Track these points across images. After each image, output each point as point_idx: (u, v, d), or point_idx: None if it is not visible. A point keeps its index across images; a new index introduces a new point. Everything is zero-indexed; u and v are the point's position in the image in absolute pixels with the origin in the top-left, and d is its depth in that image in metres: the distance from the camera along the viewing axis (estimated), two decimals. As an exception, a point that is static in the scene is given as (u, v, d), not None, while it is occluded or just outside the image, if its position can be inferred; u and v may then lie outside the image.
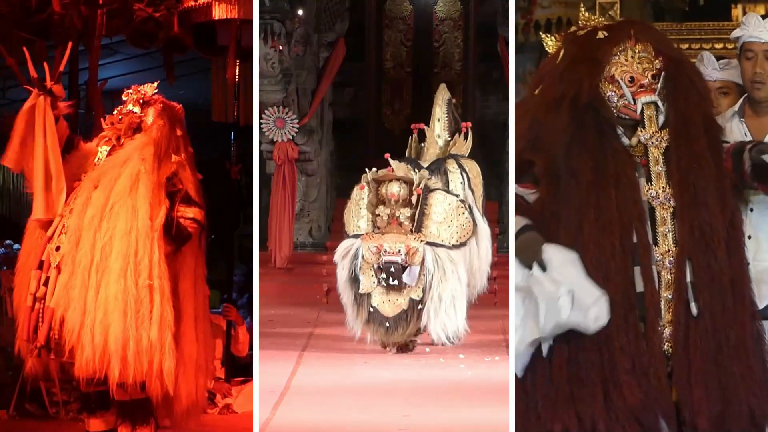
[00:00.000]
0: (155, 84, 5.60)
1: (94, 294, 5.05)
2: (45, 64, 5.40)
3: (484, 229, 7.49)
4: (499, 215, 10.25)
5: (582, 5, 5.19)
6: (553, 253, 4.53)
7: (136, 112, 5.47)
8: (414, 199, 7.12)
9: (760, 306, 4.82)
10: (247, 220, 8.17)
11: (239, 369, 7.56)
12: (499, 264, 7.76)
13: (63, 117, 5.36)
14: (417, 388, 6.31)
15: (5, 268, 7.74)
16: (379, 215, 7.15)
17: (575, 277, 4.46)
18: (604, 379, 4.48)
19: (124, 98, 5.56)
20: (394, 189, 7.15)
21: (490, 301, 8.15)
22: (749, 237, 4.86)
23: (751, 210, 4.92)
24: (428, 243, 7.08)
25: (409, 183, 7.16)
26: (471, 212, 7.42)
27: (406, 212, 7.12)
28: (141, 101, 5.50)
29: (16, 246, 8.43)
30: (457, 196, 7.33)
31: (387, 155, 7.28)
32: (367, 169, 7.26)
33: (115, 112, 5.53)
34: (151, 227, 5.17)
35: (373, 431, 5.49)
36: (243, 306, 8.66)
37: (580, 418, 4.49)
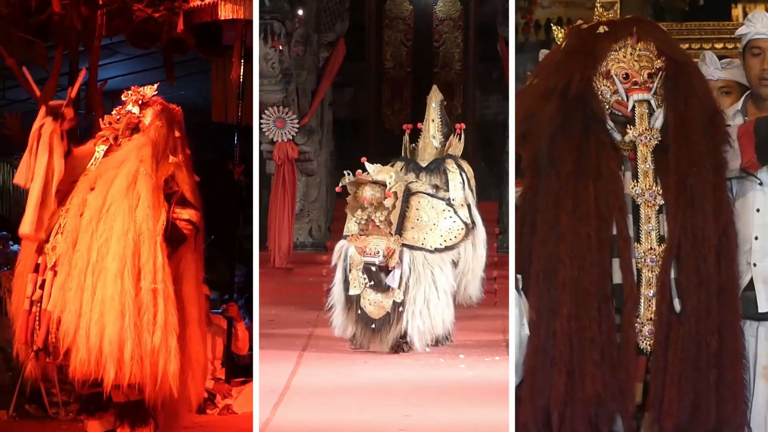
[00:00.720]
0: (155, 86, 5.61)
1: (90, 296, 5.05)
2: (69, 89, 5.41)
3: (481, 231, 7.49)
4: (499, 215, 10.25)
5: (597, 2, 5.17)
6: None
7: (134, 113, 5.47)
8: (387, 202, 7.11)
9: None
10: (247, 221, 8.17)
11: (239, 369, 7.56)
12: (499, 264, 7.76)
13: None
14: (417, 388, 6.31)
15: (5, 268, 7.74)
16: (358, 218, 7.18)
17: None
18: (570, 369, 4.48)
19: (123, 99, 5.56)
20: (367, 193, 7.17)
21: (490, 301, 8.16)
22: (756, 238, 4.84)
23: (758, 210, 4.89)
24: (407, 246, 7.10)
25: (383, 186, 7.17)
26: (471, 212, 7.42)
27: (380, 215, 7.13)
28: (140, 102, 5.50)
29: (15, 246, 8.43)
30: (443, 199, 7.33)
31: (363, 159, 7.27)
32: (346, 173, 7.27)
33: (113, 112, 5.54)
34: (154, 231, 5.17)
35: (373, 431, 5.49)
36: (242, 307, 8.67)
37: (540, 409, 4.50)
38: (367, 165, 7.19)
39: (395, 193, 7.11)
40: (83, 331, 5.00)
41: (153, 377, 5.05)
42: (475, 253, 7.47)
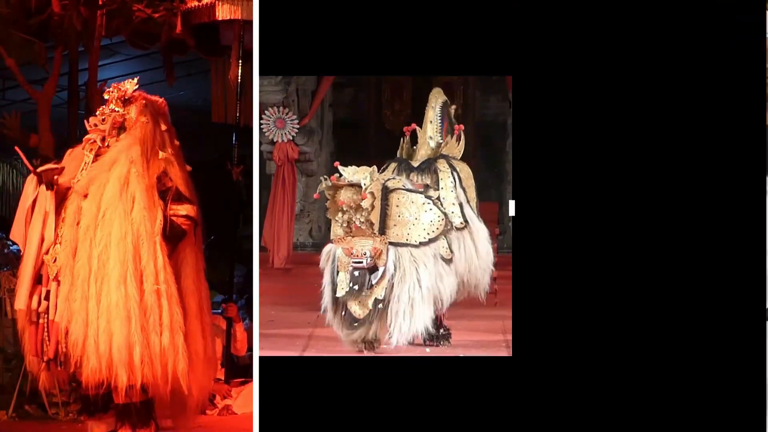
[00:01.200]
0: (135, 80, 5.56)
1: (95, 304, 5.06)
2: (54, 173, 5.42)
3: (481, 228, 7.48)
4: (499, 216, 10.23)
5: None
6: None
7: (118, 111, 5.44)
8: (364, 203, 7.10)
9: None
10: (247, 221, 8.16)
11: (239, 370, 7.55)
12: (500, 264, 7.73)
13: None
14: (417, 389, 6.30)
15: (5, 269, 7.73)
16: (339, 221, 7.17)
17: None
18: None
19: (105, 97, 5.53)
20: (343, 196, 7.15)
21: (490, 301, 8.13)
22: None
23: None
24: (392, 243, 7.10)
25: (360, 188, 7.14)
26: (462, 211, 7.42)
27: (360, 217, 7.13)
28: (123, 99, 5.47)
29: (14, 247, 8.43)
30: (421, 193, 7.33)
31: (336, 163, 7.25)
32: (322, 179, 7.25)
33: (98, 112, 5.51)
34: (152, 232, 5.16)
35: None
36: (242, 307, 8.66)
37: None
38: (341, 168, 7.17)
39: (371, 193, 7.10)
40: (92, 340, 5.02)
41: (164, 377, 5.06)
42: (478, 250, 7.45)
